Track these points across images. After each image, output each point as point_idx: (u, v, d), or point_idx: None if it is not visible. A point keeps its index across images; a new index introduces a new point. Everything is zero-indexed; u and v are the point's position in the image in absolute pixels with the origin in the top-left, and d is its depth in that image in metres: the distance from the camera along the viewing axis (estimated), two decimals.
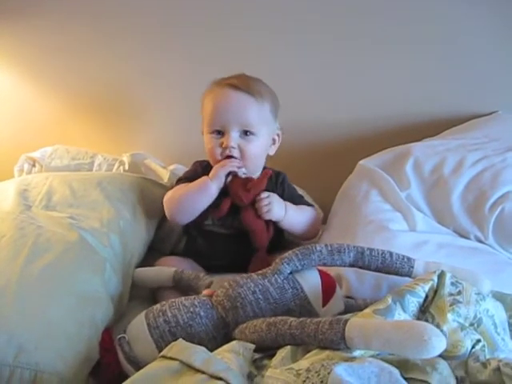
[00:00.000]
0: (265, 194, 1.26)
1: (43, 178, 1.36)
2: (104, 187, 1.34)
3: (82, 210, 1.23)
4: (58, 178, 1.36)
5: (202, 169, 1.35)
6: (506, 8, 1.61)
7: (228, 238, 1.33)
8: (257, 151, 1.31)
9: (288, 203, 1.32)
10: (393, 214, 1.26)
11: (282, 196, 1.35)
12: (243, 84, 1.29)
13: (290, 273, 0.96)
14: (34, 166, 1.59)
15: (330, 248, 0.96)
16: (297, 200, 1.39)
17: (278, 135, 1.39)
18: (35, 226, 1.11)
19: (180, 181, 1.36)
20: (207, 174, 1.29)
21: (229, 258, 1.29)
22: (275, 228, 1.31)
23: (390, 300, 0.85)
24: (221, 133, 1.30)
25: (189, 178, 1.34)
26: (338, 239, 1.16)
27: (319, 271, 0.97)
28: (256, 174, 1.34)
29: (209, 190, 1.26)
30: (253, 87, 1.29)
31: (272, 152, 1.39)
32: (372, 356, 0.76)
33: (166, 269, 1.21)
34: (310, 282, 0.95)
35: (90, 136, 1.84)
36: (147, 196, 1.42)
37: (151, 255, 1.39)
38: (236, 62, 1.69)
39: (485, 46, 1.65)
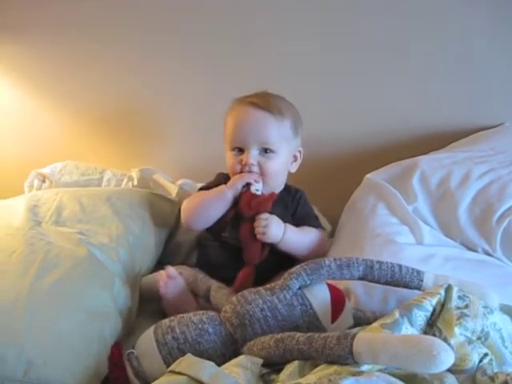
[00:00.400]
0: (264, 216, 1.26)
1: (53, 193, 1.38)
2: (113, 203, 1.36)
3: (91, 226, 1.25)
4: (67, 193, 1.38)
5: (224, 180, 1.36)
6: None
7: (242, 250, 1.32)
8: (276, 168, 1.33)
9: (289, 226, 1.30)
10: (400, 228, 1.26)
11: (294, 212, 1.36)
12: (263, 102, 1.31)
13: (299, 288, 0.96)
14: (43, 181, 1.60)
15: (338, 262, 0.97)
16: (309, 220, 1.38)
17: (299, 152, 1.40)
18: (45, 241, 1.13)
19: (201, 189, 1.40)
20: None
21: (239, 270, 1.28)
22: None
23: (397, 314, 0.86)
24: (241, 150, 1.32)
25: (210, 187, 1.37)
26: (346, 252, 1.16)
27: (328, 286, 0.97)
28: (277, 191, 1.36)
29: (224, 196, 1.29)
30: (273, 105, 1.31)
31: (293, 169, 1.41)
32: (379, 370, 0.76)
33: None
34: (319, 297, 0.95)
35: (99, 151, 1.85)
36: (156, 211, 1.43)
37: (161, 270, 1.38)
38: (244, 76, 1.71)
39: (491, 57, 1.64)
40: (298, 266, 0.97)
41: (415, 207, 1.31)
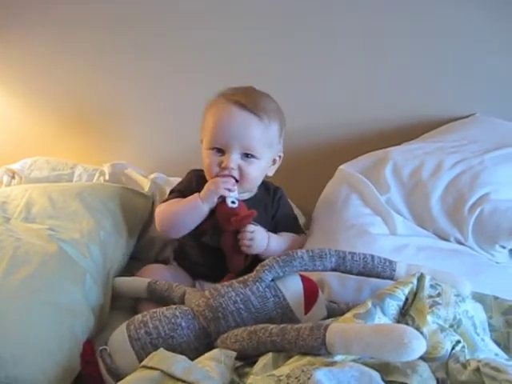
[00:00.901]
0: (250, 228, 1.22)
1: (22, 189, 1.35)
2: (84, 198, 1.33)
3: (62, 222, 1.22)
4: (37, 189, 1.35)
5: (196, 181, 1.32)
6: (485, 11, 1.62)
7: (222, 251, 1.29)
8: (256, 174, 1.28)
9: (272, 236, 1.27)
10: (373, 218, 1.26)
11: (274, 214, 1.35)
12: (251, 102, 1.24)
13: (272, 280, 0.96)
14: (13, 177, 1.58)
15: (311, 254, 0.97)
16: (289, 223, 1.36)
17: (279, 156, 1.35)
18: (14, 238, 1.10)
19: (173, 193, 1.34)
20: (201, 187, 1.26)
21: (219, 269, 1.27)
22: None
23: (370, 304, 0.86)
24: (221, 151, 1.25)
25: (182, 190, 1.32)
26: (320, 244, 1.14)
27: (301, 277, 0.97)
28: (252, 191, 1.33)
29: (199, 210, 1.24)
30: (261, 107, 1.24)
31: (271, 173, 1.36)
32: (353, 360, 0.76)
33: (141, 280, 1.20)
34: (292, 289, 0.95)
35: (70, 147, 1.84)
36: (128, 206, 1.41)
37: (134, 264, 1.38)
38: (222, 67, 1.71)
39: (462, 49, 1.66)
40: (270, 258, 0.97)
41: (388, 198, 1.31)
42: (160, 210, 1.30)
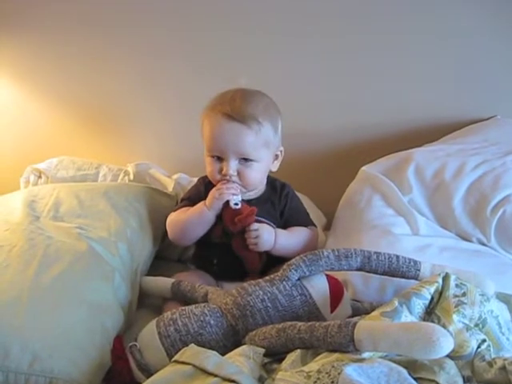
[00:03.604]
0: (254, 226, 1.24)
1: (50, 188, 1.37)
2: (110, 197, 1.36)
3: (90, 220, 1.25)
4: (64, 188, 1.38)
5: (204, 187, 1.35)
6: (505, 11, 1.62)
7: (232, 247, 1.32)
8: (257, 175, 1.30)
9: (280, 231, 1.29)
10: (396, 219, 1.28)
11: (282, 211, 1.36)
12: (237, 112, 1.24)
13: (298, 279, 0.97)
14: (39, 177, 1.60)
15: (337, 253, 0.98)
16: (298, 218, 1.37)
17: (280, 151, 1.36)
18: (44, 236, 1.13)
19: (183, 201, 1.37)
20: (208, 192, 1.29)
21: (240, 267, 1.29)
22: None
23: (396, 302, 0.87)
24: (220, 158, 1.28)
25: (191, 198, 1.35)
26: (343, 245, 1.16)
27: (327, 276, 0.99)
28: (259, 190, 1.35)
29: (206, 218, 1.27)
30: (248, 114, 1.25)
31: (275, 168, 1.37)
32: (381, 357, 0.78)
33: (166, 280, 1.22)
34: (318, 288, 0.96)
35: (95, 147, 1.85)
36: (153, 205, 1.43)
37: (158, 263, 1.40)
38: (238, 67, 1.72)
39: (483, 50, 1.66)
40: (297, 258, 0.99)
41: (410, 199, 1.32)
42: (170, 220, 1.33)
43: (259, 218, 1.28)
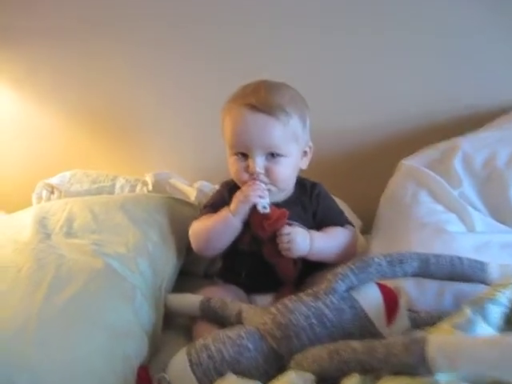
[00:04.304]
0: (286, 230, 1.12)
1: (62, 203, 1.28)
2: (128, 209, 1.25)
3: (106, 235, 1.14)
4: (78, 202, 1.28)
5: (228, 192, 1.23)
6: None
7: (262, 256, 1.18)
8: (287, 172, 1.18)
9: (315, 233, 1.17)
10: (447, 216, 1.14)
11: (314, 212, 1.23)
12: (262, 102, 1.13)
13: (346, 290, 0.83)
14: (52, 192, 1.51)
15: (389, 259, 0.84)
16: (333, 218, 1.25)
17: (309, 147, 1.25)
18: (56, 255, 1.02)
19: (205, 208, 1.26)
20: (232, 197, 1.18)
21: (272, 277, 1.16)
22: None
23: (468, 311, 0.73)
24: (245, 155, 1.17)
25: (214, 205, 1.23)
26: (390, 247, 1.05)
27: (379, 285, 0.85)
28: (288, 191, 1.23)
29: (232, 225, 1.15)
30: (275, 104, 1.14)
31: (304, 165, 1.25)
32: (460, 379, 0.64)
33: (194, 297, 1.09)
34: (370, 298, 0.82)
35: (110, 158, 1.77)
36: (175, 216, 1.32)
37: (184, 279, 1.29)
38: (259, 67, 1.59)
39: None
40: (343, 266, 0.85)
41: (461, 192, 1.20)
42: (193, 229, 1.21)
43: (290, 222, 1.15)
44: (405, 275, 0.86)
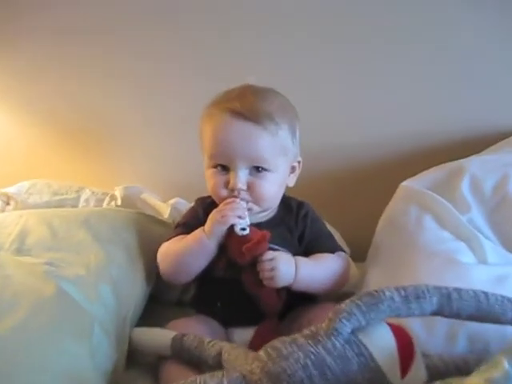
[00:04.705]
0: (269, 256, 0.97)
1: (17, 216, 1.13)
2: (92, 225, 1.11)
3: (64, 254, 0.99)
4: (34, 215, 1.13)
5: (203, 210, 1.09)
6: None
7: (240, 283, 1.03)
8: (272, 189, 1.04)
9: (301, 260, 1.02)
10: (457, 244, 1.01)
11: (301, 236, 1.09)
12: (248, 109, 1.00)
13: (352, 332, 0.68)
14: (7, 203, 1.38)
15: (403, 293, 0.69)
16: (322, 243, 1.10)
17: (298, 162, 1.11)
18: (0, 275, 0.85)
19: (177, 227, 1.11)
20: (208, 216, 1.03)
21: (252, 308, 1.00)
22: None
23: (505, 363, 0.60)
24: (226, 168, 1.03)
25: (187, 224, 1.09)
26: (393, 278, 0.93)
27: (390, 326, 0.70)
28: (273, 208, 1.09)
29: (206, 248, 1.00)
30: (263, 111, 1.01)
31: (291, 183, 1.11)
32: None
33: (165, 332, 0.93)
34: (382, 344, 0.67)
35: (75, 168, 1.64)
36: (146, 235, 1.18)
37: (153, 307, 1.13)
38: (241, 74, 1.48)
39: None
40: (347, 302, 0.69)
41: (469, 218, 1.07)
42: (161, 252, 1.07)
43: (273, 246, 1.00)
44: (422, 313, 0.71)
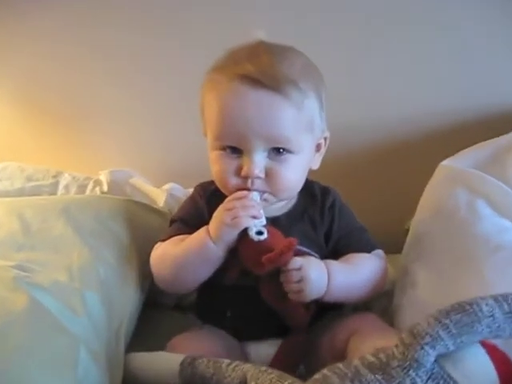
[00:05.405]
0: (296, 263, 0.79)
1: None
2: (72, 216, 0.94)
3: (39, 254, 0.82)
4: (2, 205, 1.00)
5: (205, 201, 0.91)
6: None
7: (256, 290, 0.85)
8: (295, 176, 0.87)
9: (332, 264, 0.84)
10: None
11: (329, 231, 0.91)
12: (265, 72, 0.81)
13: (436, 360, 0.50)
14: None
15: (507, 308, 0.52)
16: (356, 239, 0.93)
17: (324, 138, 0.92)
18: None
19: (174, 223, 0.94)
20: (213, 209, 0.85)
21: (266, 318, 0.83)
22: None
23: None
24: (237, 150, 0.85)
25: (186, 220, 0.92)
26: (451, 277, 0.81)
27: (486, 348, 0.52)
28: (292, 196, 0.92)
29: (212, 255, 0.82)
30: (282, 75, 0.82)
31: (316, 165, 0.93)
32: None
33: (171, 356, 0.74)
34: (479, 376, 0.50)
35: (54, 152, 1.48)
36: (138, 227, 1.01)
37: (148, 314, 0.96)
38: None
39: None
40: (431, 320, 0.51)
41: None
42: (156, 255, 0.89)
43: (300, 248, 0.82)
44: None
